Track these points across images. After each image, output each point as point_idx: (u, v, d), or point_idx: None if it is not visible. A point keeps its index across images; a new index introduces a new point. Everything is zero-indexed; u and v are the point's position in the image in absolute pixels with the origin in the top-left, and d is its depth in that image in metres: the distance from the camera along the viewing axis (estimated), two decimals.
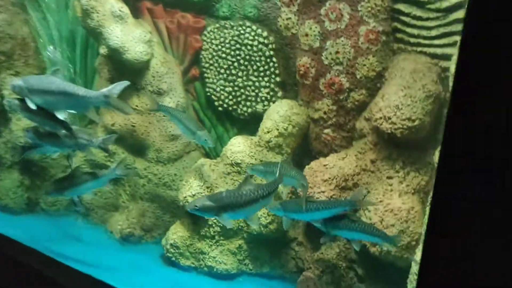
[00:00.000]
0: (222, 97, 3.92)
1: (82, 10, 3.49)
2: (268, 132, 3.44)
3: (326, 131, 3.52)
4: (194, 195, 3.43)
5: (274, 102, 3.72)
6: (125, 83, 2.89)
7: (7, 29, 4.41)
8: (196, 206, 2.73)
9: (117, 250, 4.06)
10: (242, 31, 3.68)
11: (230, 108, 3.92)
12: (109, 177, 3.53)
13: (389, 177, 2.97)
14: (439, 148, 2.78)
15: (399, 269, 2.88)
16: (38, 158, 4.42)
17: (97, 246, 4.06)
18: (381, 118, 2.86)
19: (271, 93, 3.72)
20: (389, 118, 2.80)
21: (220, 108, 3.97)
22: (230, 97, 3.89)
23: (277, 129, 3.42)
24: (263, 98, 3.76)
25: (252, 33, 3.64)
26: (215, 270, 3.52)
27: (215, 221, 3.45)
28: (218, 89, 3.92)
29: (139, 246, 4.14)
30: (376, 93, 3.29)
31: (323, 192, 3.13)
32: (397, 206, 2.81)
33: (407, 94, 2.76)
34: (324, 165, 3.19)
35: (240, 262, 3.54)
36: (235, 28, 3.71)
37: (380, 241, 2.73)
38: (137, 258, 3.91)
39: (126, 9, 3.47)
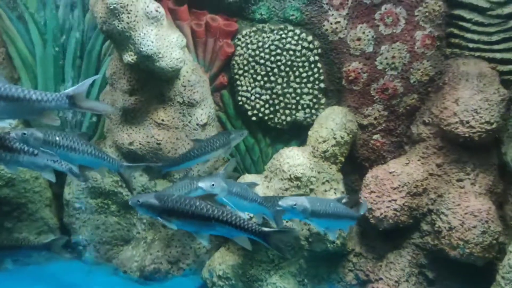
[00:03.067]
0: (258, 106, 3.61)
1: (107, 10, 2.88)
2: (324, 141, 3.25)
3: (375, 137, 3.47)
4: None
5: (316, 109, 3.55)
6: (93, 78, 2.47)
7: None
8: (139, 201, 2.50)
9: None
10: (283, 35, 3.42)
11: (266, 118, 3.63)
12: None
13: (459, 180, 3.02)
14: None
15: (478, 268, 2.95)
16: (12, 193, 3.57)
17: None
18: (456, 122, 2.89)
19: (314, 100, 3.54)
20: (467, 122, 2.85)
21: (253, 118, 3.65)
22: (267, 105, 3.60)
23: (334, 138, 3.25)
24: (305, 106, 3.56)
25: (296, 38, 3.41)
26: None
27: None
28: (253, 97, 3.60)
29: (167, 284, 3.55)
30: (426, 97, 3.34)
31: (395, 200, 3.07)
32: (477, 207, 2.87)
33: (483, 98, 2.83)
34: (390, 173, 3.13)
35: (300, 283, 3.30)
36: (275, 32, 3.43)
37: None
38: None
39: (162, 10, 2.97)
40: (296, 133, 3.71)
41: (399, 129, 3.42)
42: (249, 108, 3.64)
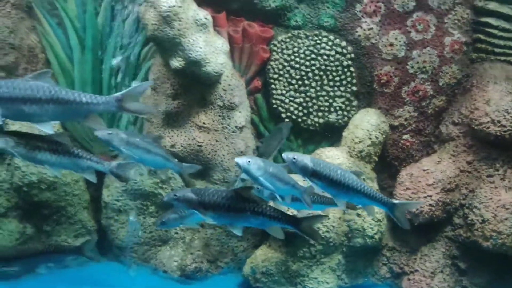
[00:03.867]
0: (291, 108, 3.77)
1: (159, 17, 3.00)
2: (360, 142, 3.43)
3: (405, 137, 3.66)
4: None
5: (348, 111, 3.73)
6: (148, 83, 2.54)
7: (7, 38, 3.56)
8: (176, 195, 2.57)
9: None
10: (318, 41, 3.60)
11: (299, 120, 3.79)
12: None
13: (490, 175, 3.23)
14: None
15: (507, 257, 3.16)
16: (52, 197, 3.61)
17: None
18: (488, 122, 3.10)
19: (346, 103, 3.72)
20: (499, 121, 3.06)
21: (287, 120, 3.81)
22: (300, 108, 3.77)
23: (370, 138, 3.43)
24: (337, 108, 3.73)
25: (330, 43, 3.59)
26: None
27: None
28: (287, 100, 3.76)
29: (208, 282, 3.65)
30: (453, 99, 3.56)
31: (430, 196, 3.26)
32: (508, 201, 3.08)
33: None
34: (424, 170, 3.32)
35: (338, 278, 3.45)
36: (310, 38, 3.61)
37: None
38: None
39: (210, 17, 3.10)
40: (328, 134, 3.89)
41: (428, 129, 3.62)
42: (283, 110, 3.79)
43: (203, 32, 3.10)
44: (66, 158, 2.78)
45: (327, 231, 3.28)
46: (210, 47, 3.13)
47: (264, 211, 2.58)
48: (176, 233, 3.83)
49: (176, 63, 3.15)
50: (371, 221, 3.32)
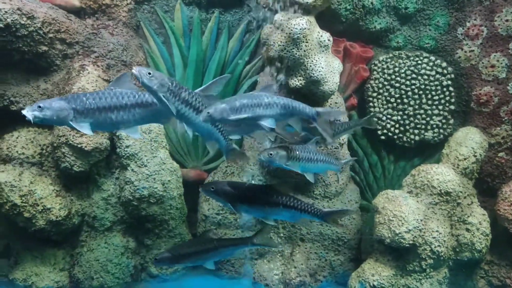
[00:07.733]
0: (388, 125, 3.90)
1: (288, 39, 3.14)
2: (465, 159, 3.54)
3: (500, 154, 3.78)
4: (410, 230, 3.32)
5: (444, 129, 3.85)
6: (226, 76, 2.54)
7: (121, 55, 3.68)
8: (213, 188, 2.68)
9: None
10: (419, 62, 3.75)
11: (395, 137, 3.91)
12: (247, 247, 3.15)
13: None
14: None
15: None
16: (159, 211, 3.66)
17: None
18: None
19: (443, 121, 3.85)
20: None
21: (382, 137, 3.93)
22: (397, 125, 3.89)
23: (475, 156, 3.55)
24: (434, 126, 3.86)
25: (430, 64, 3.74)
26: None
27: (428, 253, 3.39)
28: (384, 118, 3.89)
29: None
30: None
31: None
32: None
33: None
34: None
35: None
36: (411, 58, 3.76)
37: None
38: None
39: (331, 38, 3.24)
40: (419, 151, 4.01)
41: None
42: (380, 127, 3.92)
43: (324, 53, 3.23)
44: None
45: (438, 246, 3.37)
46: (329, 67, 3.26)
47: (296, 204, 2.76)
48: None
49: (297, 82, 3.27)
50: (480, 235, 3.41)
